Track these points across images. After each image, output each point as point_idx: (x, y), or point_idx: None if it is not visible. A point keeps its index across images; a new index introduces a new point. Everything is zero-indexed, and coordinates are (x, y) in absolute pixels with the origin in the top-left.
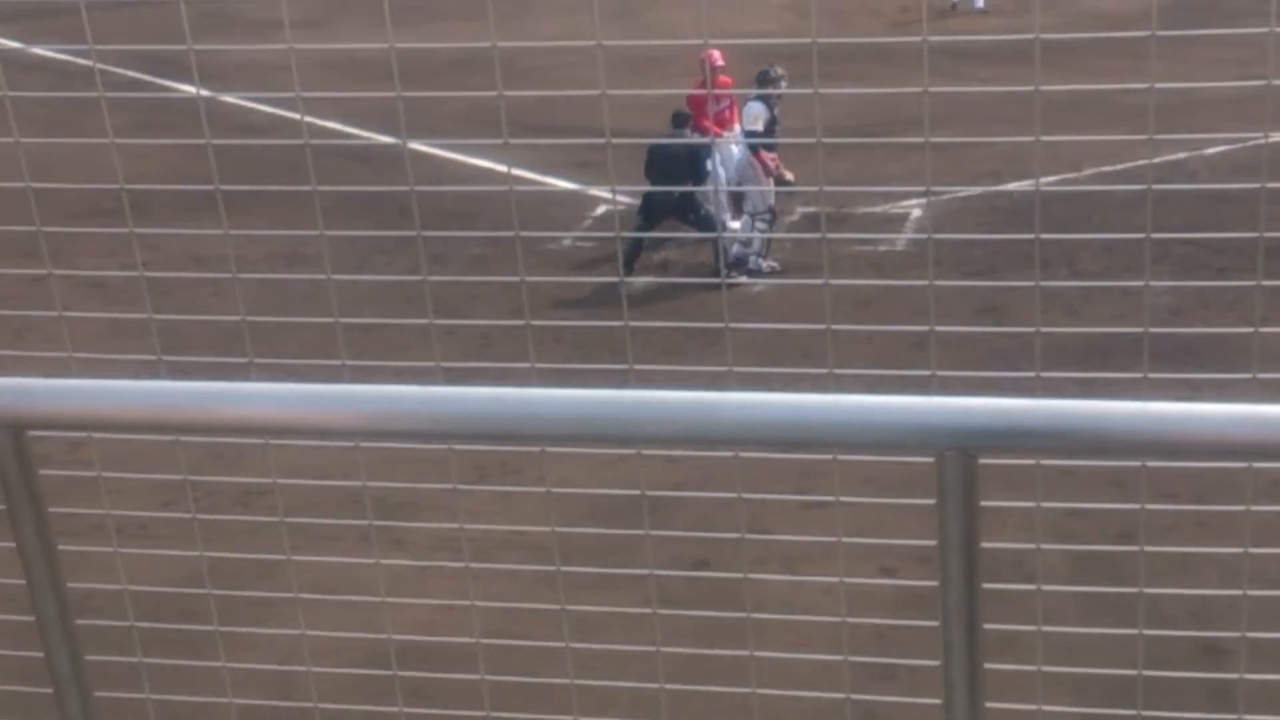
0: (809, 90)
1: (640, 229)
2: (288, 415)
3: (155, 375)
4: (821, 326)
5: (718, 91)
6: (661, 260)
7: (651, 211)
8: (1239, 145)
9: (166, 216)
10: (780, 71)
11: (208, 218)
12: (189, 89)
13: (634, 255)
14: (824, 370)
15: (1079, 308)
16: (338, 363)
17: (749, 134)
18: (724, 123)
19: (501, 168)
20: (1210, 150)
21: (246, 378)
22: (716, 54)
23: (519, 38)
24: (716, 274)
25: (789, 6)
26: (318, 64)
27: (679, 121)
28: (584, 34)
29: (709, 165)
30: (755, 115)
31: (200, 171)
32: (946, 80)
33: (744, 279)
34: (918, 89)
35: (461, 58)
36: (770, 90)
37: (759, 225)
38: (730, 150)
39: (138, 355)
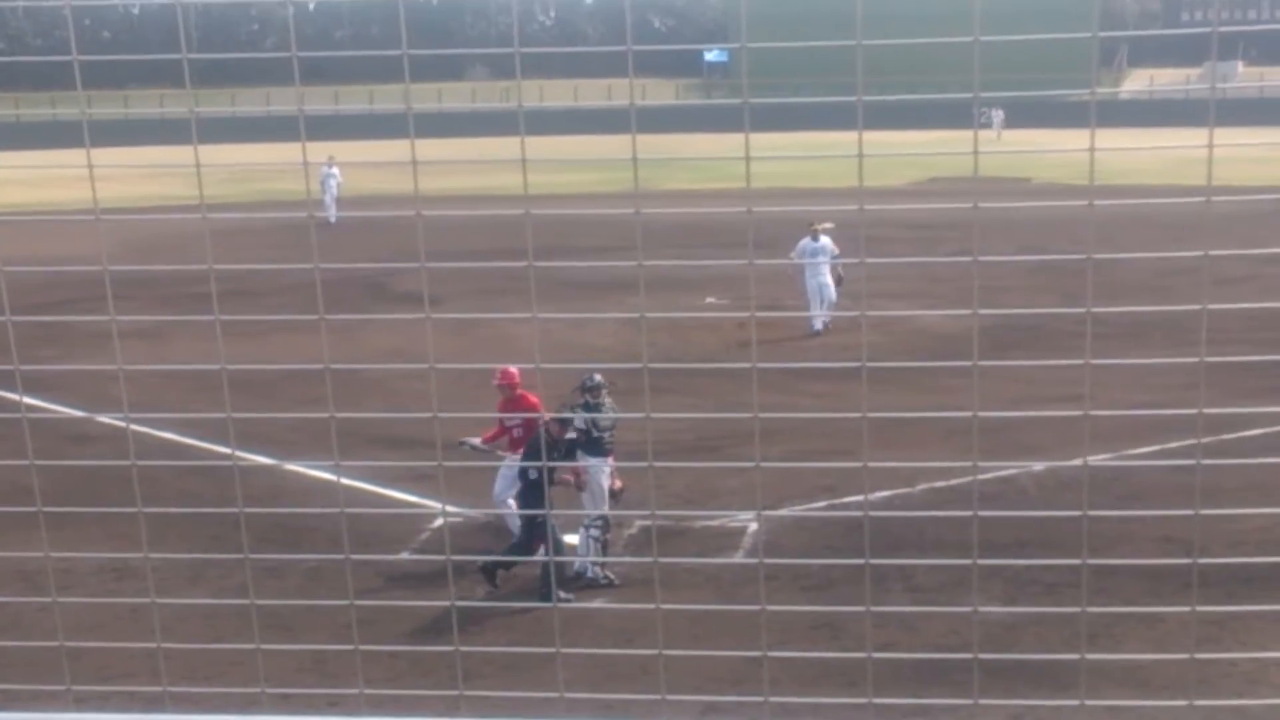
0: (640, 414)
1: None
2: None
3: None
4: (654, 652)
5: (538, 416)
6: (500, 574)
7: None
8: (1065, 463)
9: None
10: (600, 379)
11: (36, 531)
12: (30, 401)
13: (498, 564)
14: (657, 696)
15: (915, 622)
16: (159, 689)
17: (568, 443)
18: (514, 443)
19: (333, 478)
20: (1039, 465)
21: (65, 708)
22: (513, 370)
23: (359, 350)
24: (546, 588)
25: (627, 322)
26: (156, 374)
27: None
28: (424, 349)
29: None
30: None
31: (32, 484)
32: (783, 395)
33: (575, 593)
34: (748, 414)
35: (301, 368)
36: (590, 399)
37: (591, 534)
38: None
39: None
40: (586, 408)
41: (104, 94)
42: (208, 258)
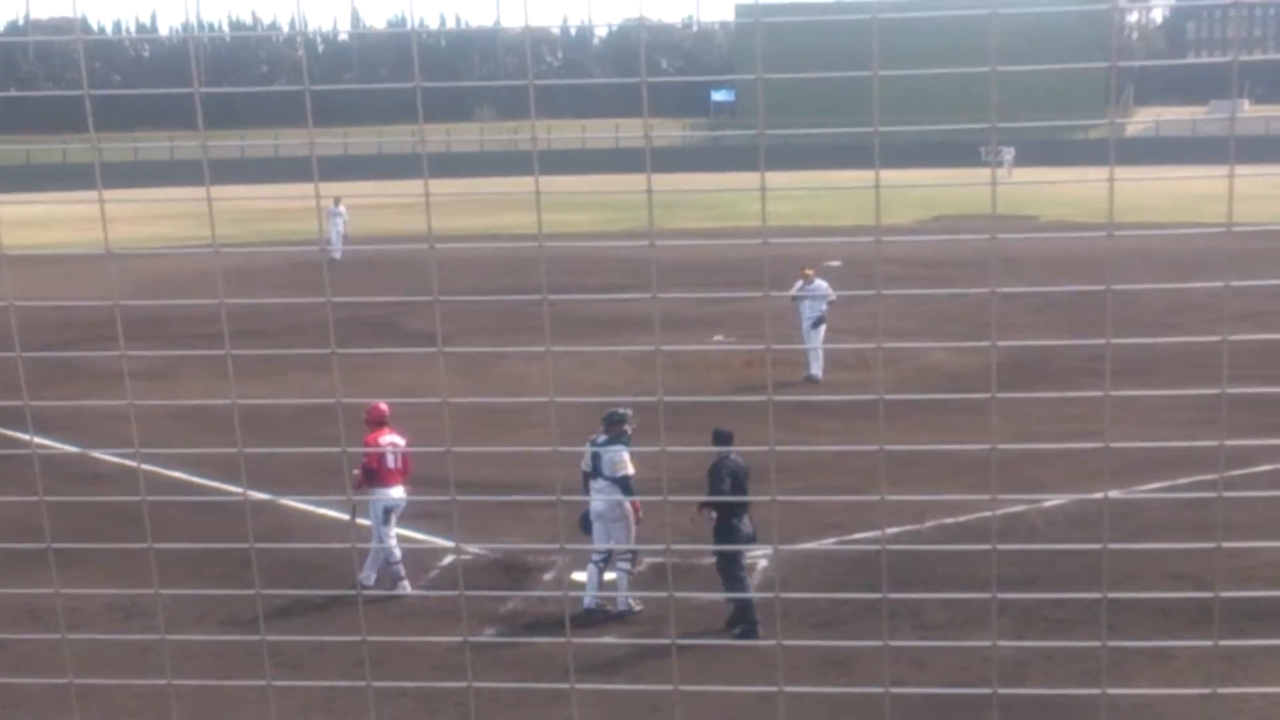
0: (655, 448)
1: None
2: None
3: None
4: (669, 687)
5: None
6: (509, 611)
7: (725, 557)
8: (1075, 499)
9: (2, 569)
10: (625, 411)
11: (44, 570)
12: (39, 440)
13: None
14: None
15: (925, 659)
16: None
17: (621, 480)
18: (391, 475)
19: (346, 517)
20: (1048, 503)
21: None
22: (383, 406)
23: (369, 389)
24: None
25: (635, 360)
26: (165, 413)
27: (725, 439)
28: (434, 387)
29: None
30: (624, 460)
31: (40, 523)
32: (791, 433)
33: (588, 629)
34: (764, 446)
35: (310, 407)
36: (617, 432)
37: (620, 566)
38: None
39: None
40: (613, 442)
41: (114, 135)
42: (219, 292)
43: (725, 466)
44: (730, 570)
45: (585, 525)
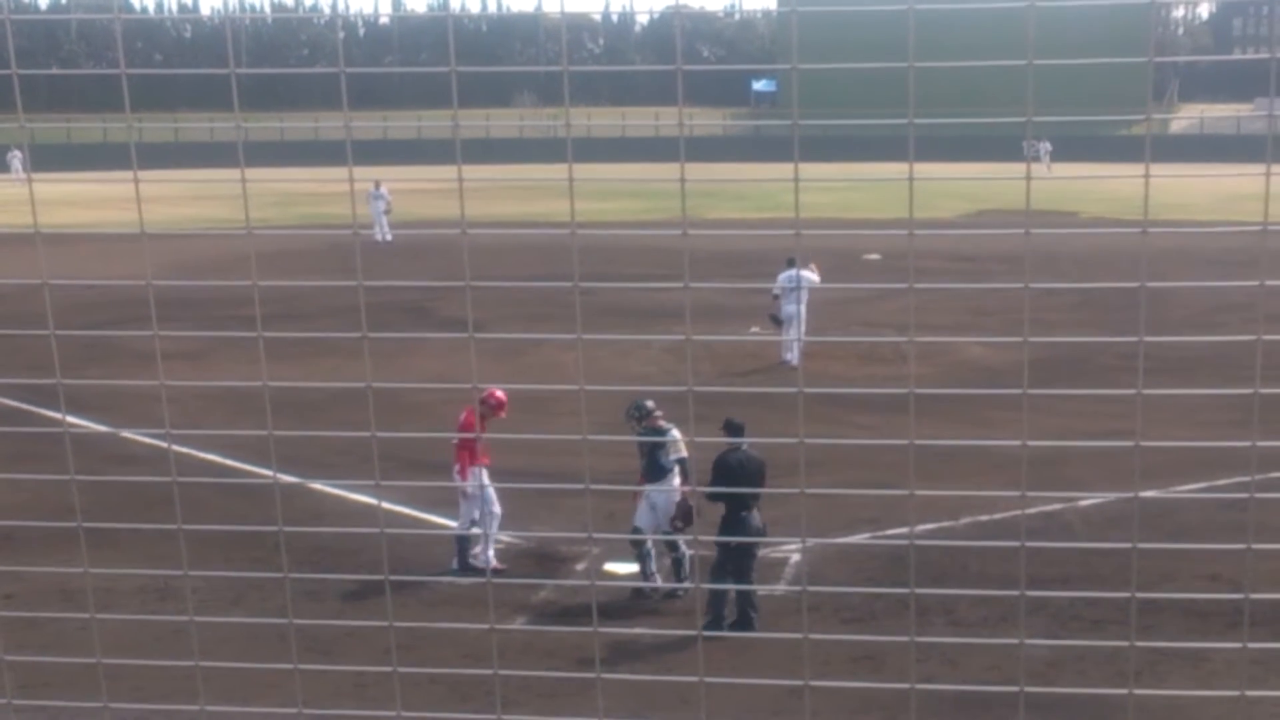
0: (686, 438)
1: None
2: None
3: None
4: (694, 679)
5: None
6: (540, 601)
7: (730, 550)
8: (1111, 498)
9: (37, 547)
10: (649, 404)
11: (76, 550)
12: (72, 420)
13: (720, 604)
14: None
15: (956, 657)
16: (195, 708)
17: (680, 461)
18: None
19: (375, 502)
20: (1084, 502)
21: None
22: (500, 393)
23: (401, 375)
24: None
25: (671, 350)
26: (200, 395)
27: (737, 431)
28: (467, 373)
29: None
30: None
31: (73, 503)
32: (826, 426)
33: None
34: (794, 439)
35: (344, 392)
36: (642, 425)
37: (683, 549)
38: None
39: None
40: (652, 432)
41: (154, 116)
42: (252, 274)
43: (733, 459)
44: (741, 564)
45: (689, 518)
